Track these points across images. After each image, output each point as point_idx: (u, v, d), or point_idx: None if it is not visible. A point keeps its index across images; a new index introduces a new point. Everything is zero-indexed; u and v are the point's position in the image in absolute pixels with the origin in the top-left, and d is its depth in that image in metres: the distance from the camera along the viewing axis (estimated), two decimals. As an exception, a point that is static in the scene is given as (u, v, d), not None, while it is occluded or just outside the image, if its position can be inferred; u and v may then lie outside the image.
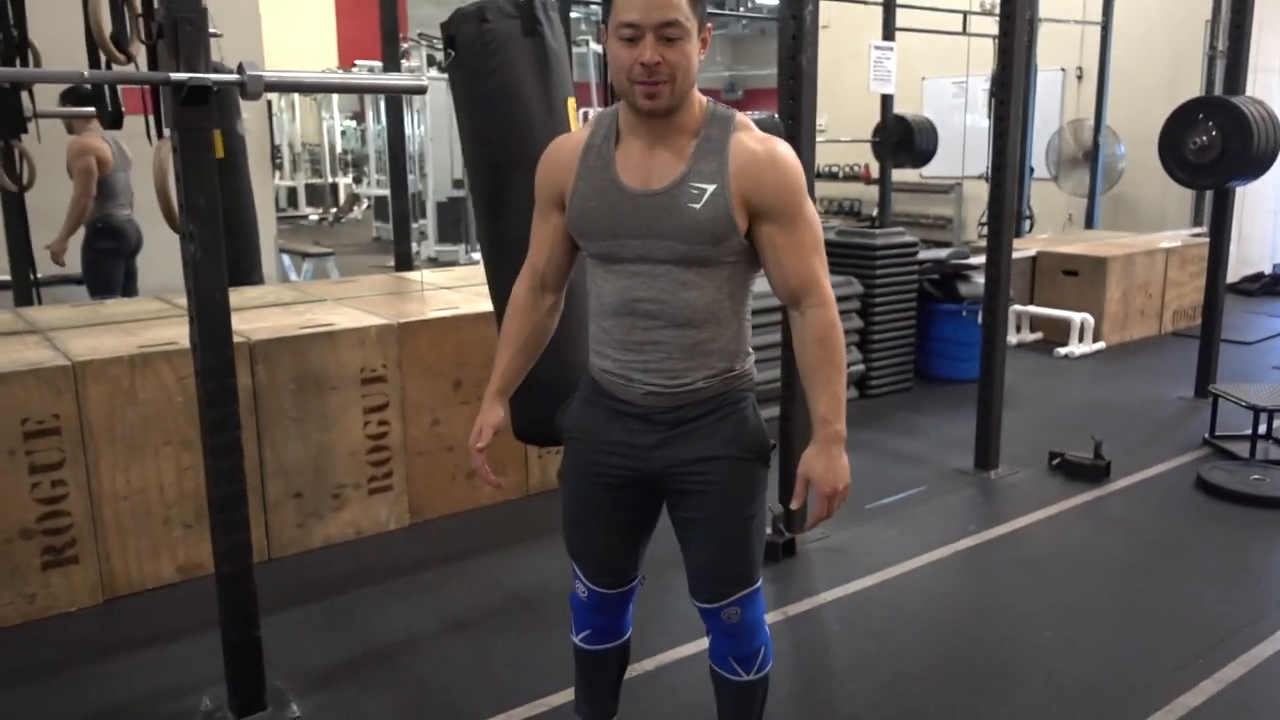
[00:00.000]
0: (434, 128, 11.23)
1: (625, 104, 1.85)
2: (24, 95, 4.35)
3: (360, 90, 7.41)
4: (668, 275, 1.84)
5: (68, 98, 5.16)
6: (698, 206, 1.79)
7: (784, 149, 1.85)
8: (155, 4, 2.40)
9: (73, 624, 3.19)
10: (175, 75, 2.27)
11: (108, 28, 2.67)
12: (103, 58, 2.76)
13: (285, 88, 2.87)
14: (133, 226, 5.44)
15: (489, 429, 2.09)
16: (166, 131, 2.48)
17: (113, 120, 2.95)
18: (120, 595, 3.33)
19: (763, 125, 6.18)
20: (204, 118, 2.34)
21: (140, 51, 2.78)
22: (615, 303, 1.90)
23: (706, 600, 2.03)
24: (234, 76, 2.34)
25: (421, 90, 2.67)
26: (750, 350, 2.00)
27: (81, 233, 5.30)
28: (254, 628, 2.65)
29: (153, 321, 3.86)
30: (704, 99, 1.87)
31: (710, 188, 1.79)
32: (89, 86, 4.52)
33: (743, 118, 1.87)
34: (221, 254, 2.43)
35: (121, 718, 2.70)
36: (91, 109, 5.07)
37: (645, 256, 1.85)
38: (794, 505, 1.96)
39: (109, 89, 2.93)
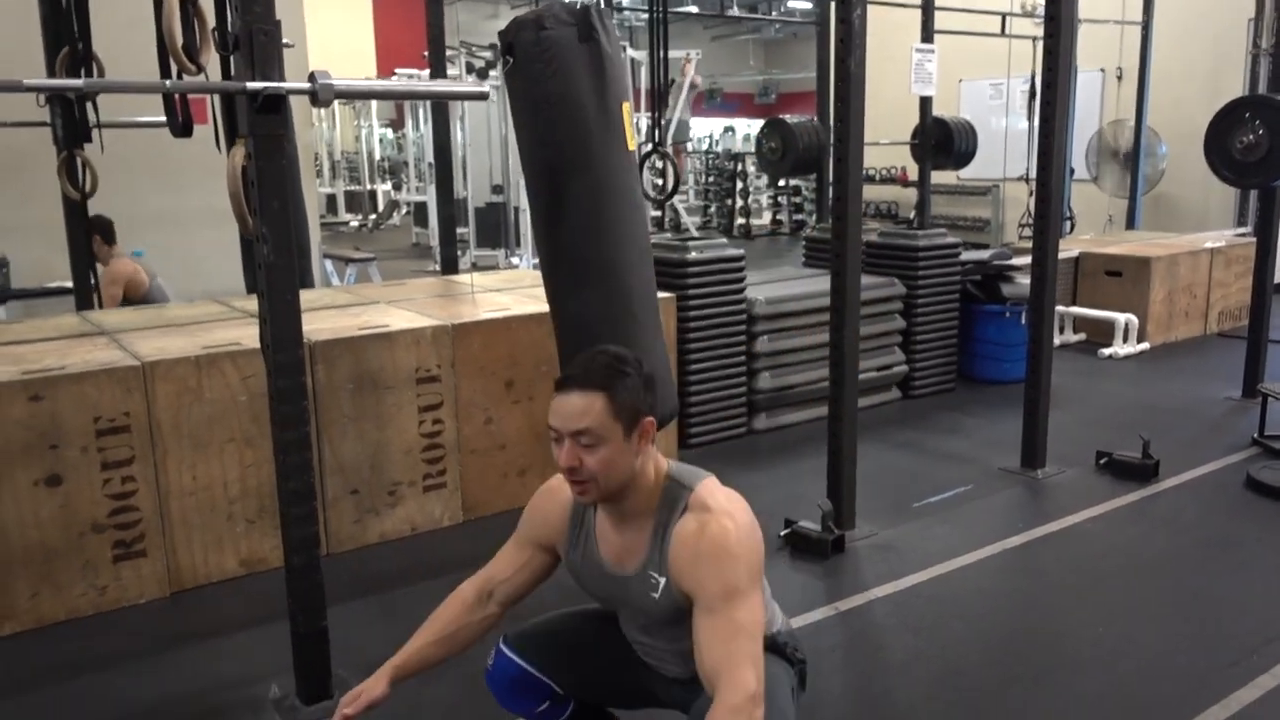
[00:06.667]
0: (473, 134, 11.36)
1: None
2: (88, 106, 4.49)
3: (427, 97, 7.50)
4: (653, 631, 1.96)
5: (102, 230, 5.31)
6: (656, 596, 1.86)
7: (730, 534, 1.75)
8: (229, 16, 2.50)
9: (142, 615, 3.29)
10: (251, 85, 2.36)
11: (180, 40, 2.76)
12: (174, 67, 2.85)
13: (353, 95, 2.95)
14: None
15: (366, 701, 1.94)
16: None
17: (183, 129, 3.05)
18: (186, 588, 3.43)
19: (802, 129, 6.14)
20: (278, 125, 2.43)
21: (209, 62, 2.87)
22: (623, 629, 2.05)
23: None
24: (306, 85, 2.43)
25: (484, 97, 2.75)
26: (782, 640, 1.99)
27: None
28: (321, 618, 2.73)
29: (213, 324, 3.97)
30: (664, 469, 1.87)
31: (662, 581, 1.84)
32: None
33: (699, 493, 1.82)
34: (293, 256, 2.52)
35: (193, 704, 2.80)
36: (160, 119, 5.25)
37: (630, 620, 1.99)
38: None
39: (180, 99, 3.03)
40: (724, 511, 1.79)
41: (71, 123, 4.50)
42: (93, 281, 5.06)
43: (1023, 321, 5.65)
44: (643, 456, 1.83)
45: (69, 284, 5.20)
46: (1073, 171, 9.79)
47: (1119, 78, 10.51)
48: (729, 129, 20.43)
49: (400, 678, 2.02)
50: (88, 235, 4.97)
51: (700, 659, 1.71)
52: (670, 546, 1.81)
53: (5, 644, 3.10)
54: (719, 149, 18.67)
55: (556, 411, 1.80)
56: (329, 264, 9.25)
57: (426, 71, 5.85)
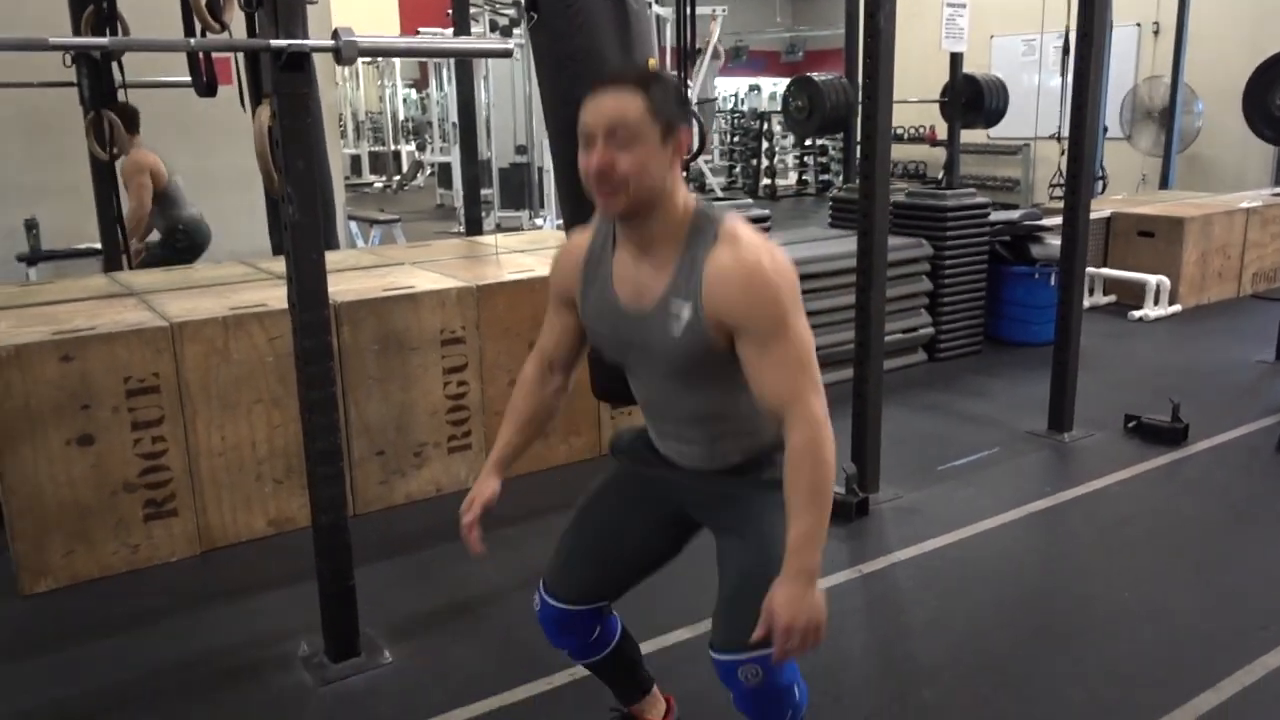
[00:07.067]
0: (497, 94, 11.30)
1: None
2: (114, 65, 4.50)
3: (451, 54, 7.45)
4: (667, 383, 1.88)
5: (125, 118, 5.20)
6: (677, 334, 1.76)
7: (766, 263, 1.71)
8: (252, -27, 2.48)
9: (174, 573, 3.34)
10: (275, 42, 2.34)
11: (203, -2, 2.76)
12: (198, 26, 2.84)
13: (377, 52, 2.94)
14: (205, 224, 5.59)
15: (480, 503, 1.99)
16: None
17: (207, 89, 3.04)
18: (216, 547, 3.47)
19: (830, 87, 5.98)
20: (302, 83, 2.42)
21: (233, 20, 2.86)
22: (641, 399, 1.99)
23: (720, 648, 1.81)
24: (330, 43, 2.41)
25: (508, 53, 2.72)
26: None
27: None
28: (348, 577, 2.76)
29: (240, 285, 3.99)
30: (691, 202, 1.79)
31: (686, 311, 1.74)
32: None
33: (730, 225, 1.75)
34: (319, 216, 2.51)
35: (224, 661, 2.84)
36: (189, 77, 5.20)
37: (646, 369, 1.90)
38: (755, 636, 1.70)
39: (204, 59, 3.03)
40: (757, 242, 1.74)
41: (98, 82, 4.51)
42: (119, 227, 5.00)
43: (1052, 283, 5.58)
44: (674, 174, 1.75)
45: (98, 245, 5.23)
46: (1106, 130, 9.61)
47: (1156, 32, 10.30)
48: (754, 88, 20.17)
49: (504, 469, 2.05)
50: (110, 124, 4.70)
51: (763, 394, 1.73)
52: (705, 276, 1.72)
53: (41, 600, 3.16)
54: (744, 108, 18.46)
55: (591, 109, 1.69)
56: (354, 226, 9.26)
57: (450, 30, 5.80)
